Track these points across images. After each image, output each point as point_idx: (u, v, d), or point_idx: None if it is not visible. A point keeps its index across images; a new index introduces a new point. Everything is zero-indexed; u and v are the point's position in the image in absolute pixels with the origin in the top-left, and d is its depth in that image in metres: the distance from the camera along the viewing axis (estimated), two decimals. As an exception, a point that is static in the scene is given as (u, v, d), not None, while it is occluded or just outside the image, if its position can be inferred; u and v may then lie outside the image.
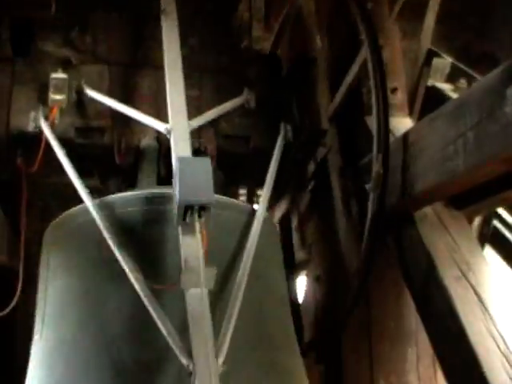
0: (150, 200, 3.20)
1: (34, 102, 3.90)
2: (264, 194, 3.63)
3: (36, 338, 3.45)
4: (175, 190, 2.74)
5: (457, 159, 2.95)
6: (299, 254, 4.57)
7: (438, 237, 3.34)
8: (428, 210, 3.43)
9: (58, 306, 3.37)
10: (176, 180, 2.74)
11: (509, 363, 2.90)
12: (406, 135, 3.44)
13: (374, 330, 3.85)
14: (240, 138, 4.25)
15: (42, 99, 3.85)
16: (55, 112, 3.75)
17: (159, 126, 3.25)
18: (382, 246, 3.55)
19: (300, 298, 4.76)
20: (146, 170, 3.71)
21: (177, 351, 2.63)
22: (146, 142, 3.86)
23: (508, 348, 2.96)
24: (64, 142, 3.70)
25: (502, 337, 3.02)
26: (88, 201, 3.23)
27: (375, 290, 3.81)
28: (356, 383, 3.89)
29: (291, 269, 4.44)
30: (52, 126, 3.69)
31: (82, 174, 3.51)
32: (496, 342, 3.00)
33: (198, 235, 2.74)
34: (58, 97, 3.75)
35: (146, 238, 3.17)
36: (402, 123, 3.73)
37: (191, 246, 2.73)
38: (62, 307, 3.34)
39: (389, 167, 3.40)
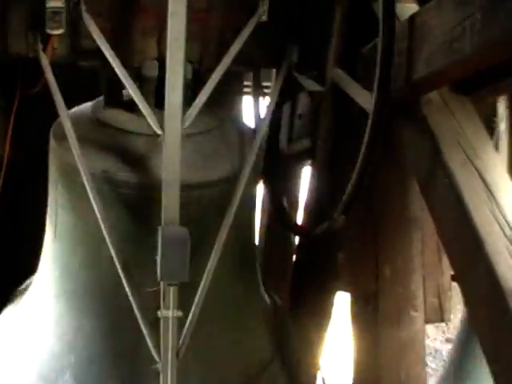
0: (146, 186, 3.25)
1: (31, 21, 3.69)
2: (254, 146, 3.51)
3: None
4: (158, 266, 3.03)
5: (464, 41, 2.88)
6: (299, 143, 4.49)
7: (444, 122, 3.31)
8: (434, 95, 3.38)
9: (66, 239, 3.52)
10: (159, 251, 3.01)
11: (514, 248, 2.92)
12: (412, 18, 3.35)
13: (378, 215, 3.88)
14: (242, 59, 3.96)
15: (40, 20, 3.64)
16: (53, 42, 3.59)
17: (154, 126, 3.21)
18: (386, 131, 3.53)
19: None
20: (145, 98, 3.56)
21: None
22: (147, 70, 3.63)
23: (513, 233, 2.98)
24: (63, 65, 3.61)
25: (507, 222, 3.02)
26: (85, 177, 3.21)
27: (379, 175, 3.81)
28: (361, 269, 3.94)
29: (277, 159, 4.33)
30: (51, 55, 3.56)
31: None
32: (501, 227, 3.01)
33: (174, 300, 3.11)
34: (55, 32, 3.57)
35: (139, 228, 3.33)
36: (408, 8, 3.65)
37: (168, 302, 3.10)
38: (69, 241, 3.50)
39: (394, 51, 3.33)
